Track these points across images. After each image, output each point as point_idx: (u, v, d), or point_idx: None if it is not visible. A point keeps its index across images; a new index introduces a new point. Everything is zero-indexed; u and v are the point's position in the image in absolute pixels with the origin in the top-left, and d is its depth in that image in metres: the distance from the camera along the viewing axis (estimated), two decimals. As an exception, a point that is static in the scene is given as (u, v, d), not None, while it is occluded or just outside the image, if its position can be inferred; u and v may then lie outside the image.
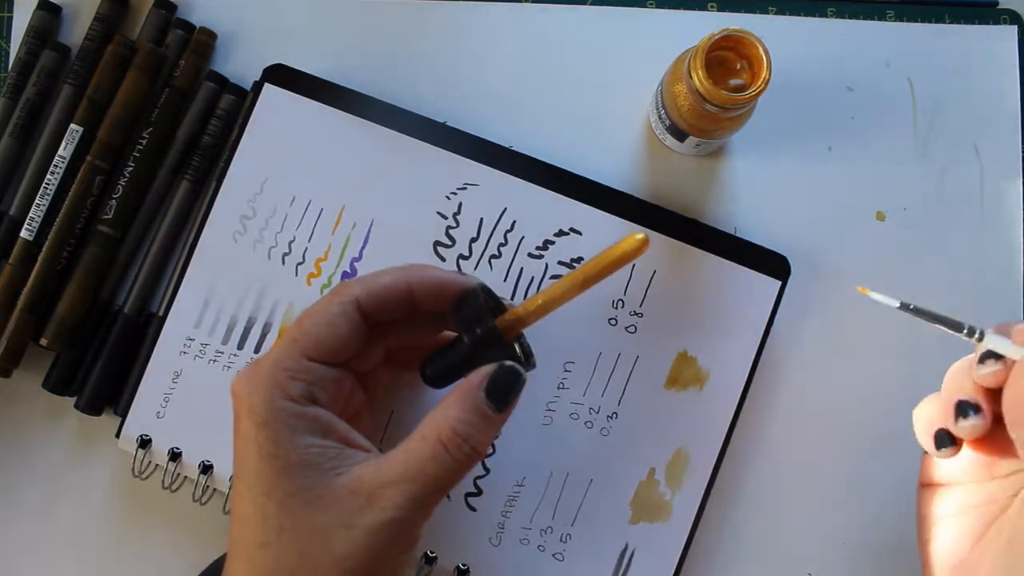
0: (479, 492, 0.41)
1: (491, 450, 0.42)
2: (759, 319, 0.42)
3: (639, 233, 0.33)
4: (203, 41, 0.44)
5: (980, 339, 0.32)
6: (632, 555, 0.41)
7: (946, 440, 0.33)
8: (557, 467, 0.42)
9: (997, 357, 0.31)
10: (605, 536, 0.41)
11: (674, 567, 0.41)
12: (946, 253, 0.45)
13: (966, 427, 0.32)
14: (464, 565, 0.41)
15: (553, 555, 0.41)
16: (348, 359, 0.33)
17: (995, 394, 0.31)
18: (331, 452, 0.30)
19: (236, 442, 0.30)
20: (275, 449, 0.29)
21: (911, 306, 0.33)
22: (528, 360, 0.34)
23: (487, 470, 0.42)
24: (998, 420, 0.31)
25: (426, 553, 0.41)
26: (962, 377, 0.33)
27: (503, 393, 0.31)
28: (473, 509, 0.41)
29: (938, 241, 0.45)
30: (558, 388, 0.42)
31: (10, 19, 0.46)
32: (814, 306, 0.44)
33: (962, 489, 0.34)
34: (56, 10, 0.45)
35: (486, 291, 0.34)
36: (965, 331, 0.32)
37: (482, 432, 0.30)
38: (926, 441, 0.34)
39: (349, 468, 0.29)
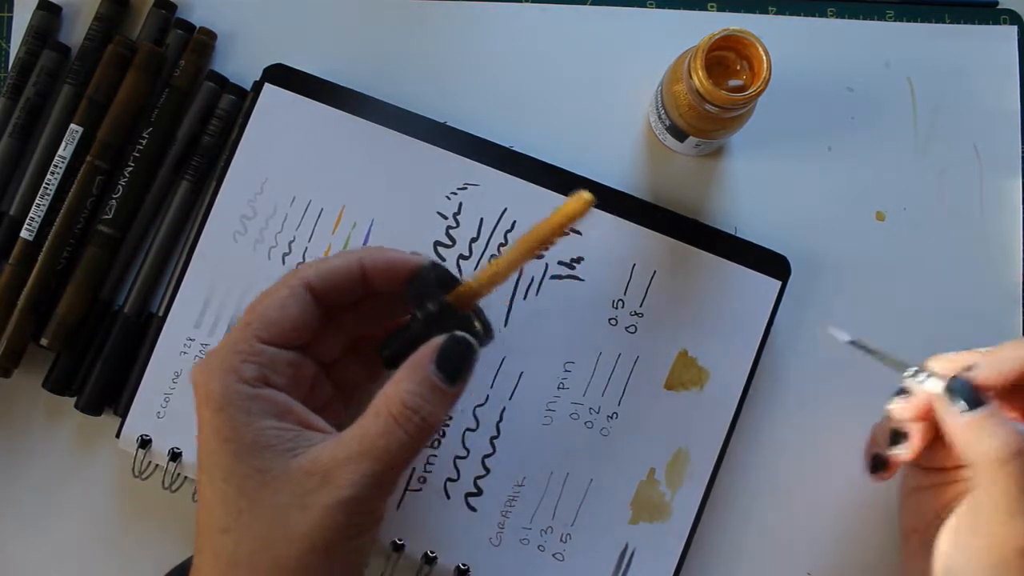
0: (479, 492, 0.42)
1: (491, 450, 0.42)
2: (759, 319, 0.42)
3: (584, 192, 0.32)
4: (203, 41, 0.44)
5: (926, 379, 0.35)
6: (632, 555, 0.41)
7: (879, 464, 0.38)
8: (557, 467, 0.42)
9: (904, 393, 0.36)
10: (605, 536, 0.41)
11: (674, 567, 0.41)
12: (946, 253, 0.45)
13: (893, 453, 0.37)
14: (464, 565, 0.41)
15: (553, 555, 0.41)
16: (304, 343, 0.33)
17: (929, 420, 0.36)
18: (288, 434, 0.30)
19: (198, 430, 0.30)
20: (231, 432, 0.29)
21: (861, 344, 0.38)
22: (486, 333, 0.33)
23: (487, 470, 0.42)
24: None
25: (426, 553, 0.41)
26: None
27: (454, 365, 0.31)
28: (473, 509, 0.41)
29: (938, 241, 0.45)
30: (558, 388, 0.42)
31: (10, 19, 0.46)
32: (814, 306, 0.44)
33: (931, 469, 0.38)
34: (56, 10, 0.45)
35: (438, 267, 0.33)
36: (911, 373, 0.36)
37: (434, 404, 0.30)
38: (865, 461, 0.39)
39: (306, 449, 0.29)
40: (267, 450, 0.29)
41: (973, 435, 0.33)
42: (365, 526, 0.30)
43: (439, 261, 0.34)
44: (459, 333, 0.31)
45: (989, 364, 0.34)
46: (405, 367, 0.31)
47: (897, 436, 0.37)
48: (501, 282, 0.33)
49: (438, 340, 0.31)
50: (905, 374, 0.36)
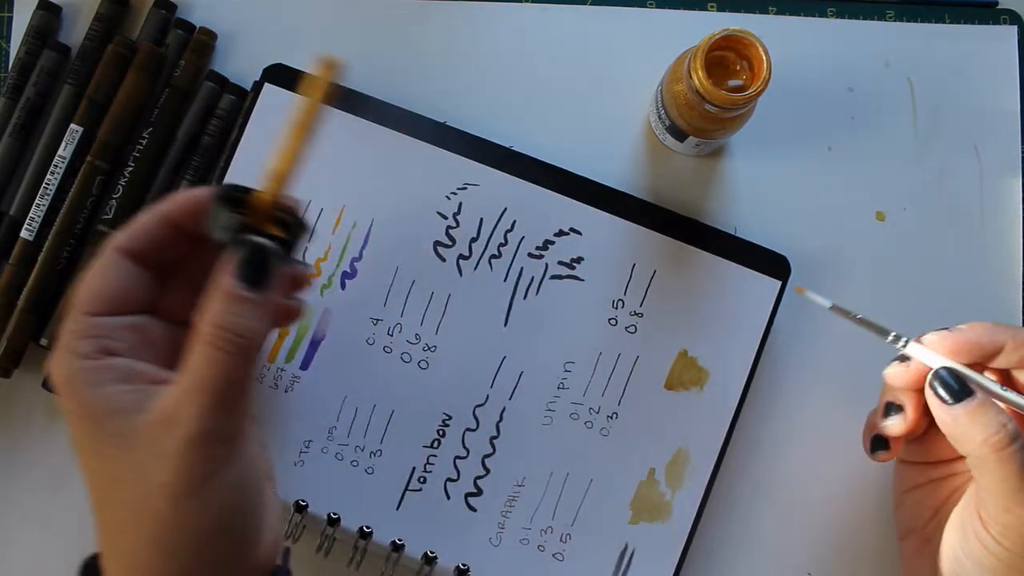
0: (479, 492, 0.42)
1: (491, 450, 0.42)
2: (759, 319, 0.42)
3: (325, 55, 0.30)
4: (203, 41, 0.44)
5: (904, 346, 0.35)
6: (632, 555, 0.41)
7: (879, 444, 0.37)
8: (557, 467, 0.42)
9: (905, 360, 0.35)
10: (605, 536, 0.41)
11: (674, 567, 0.41)
12: (946, 253, 0.45)
13: (888, 425, 0.36)
14: (464, 565, 0.41)
15: (553, 555, 0.41)
16: (142, 305, 0.33)
17: (923, 393, 0.35)
18: (137, 394, 0.29)
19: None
20: (83, 409, 0.29)
21: (841, 309, 0.36)
22: (298, 228, 0.32)
23: (487, 470, 0.42)
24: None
25: (426, 553, 0.41)
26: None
27: (253, 270, 0.30)
28: (473, 509, 0.41)
29: (938, 241, 0.45)
30: (558, 388, 0.42)
31: (10, 19, 0.46)
32: (814, 307, 0.44)
33: (924, 465, 0.38)
34: (56, 10, 0.45)
35: (228, 191, 0.32)
36: (891, 337, 0.35)
37: (243, 316, 0.29)
38: (864, 446, 0.38)
39: (152, 403, 0.29)
40: (119, 415, 0.29)
41: (966, 426, 0.33)
42: (225, 457, 0.29)
43: (234, 184, 0.32)
44: (252, 238, 0.30)
45: (966, 330, 0.35)
46: (210, 290, 0.30)
47: (890, 407, 0.36)
48: (288, 176, 0.31)
49: (234, 253, 0.30)
50: (887, 340, 0.35)
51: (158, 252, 0.33)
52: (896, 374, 0.36)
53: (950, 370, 0.34)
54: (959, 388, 0.34)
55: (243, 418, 0.30)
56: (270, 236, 0.31)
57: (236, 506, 0.30)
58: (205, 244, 0.33)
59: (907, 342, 0.35)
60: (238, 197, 0.32)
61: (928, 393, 0.34)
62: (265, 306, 0.30)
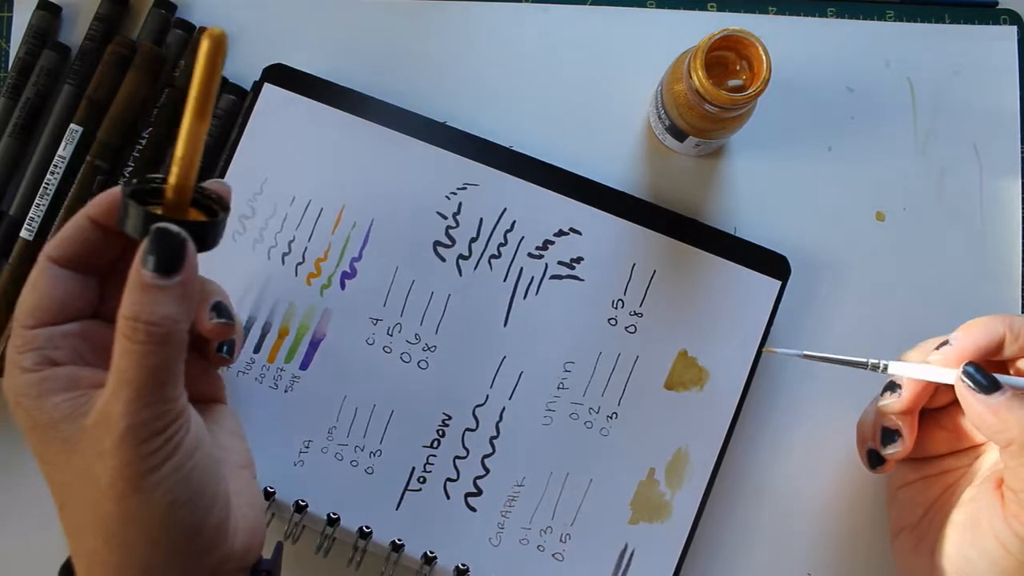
0: (479, 492, 0.42)
1: (491, 450, 0.42)
2: (759, 319, 0.42)
3: (212, 28, 0.28)
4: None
5: (884, 370, 0.36)
6: (632, 555, 0.41)
7: (876, 460, 0.38)
8: (557, 467, 0.42)
9: (895, 388, 0.36)
10: (605, 536, 0.41)
11: (674, 567, 0.41)
12: (946, 253, 0.45)
13: (889, 453, 0.37)
14: (464, 565, 0.41)
15: (553, 555, 0.41)
16: (85, 311, 0.32)
17: (916, 413, 0.37)
18: (80, 399, 0.30)
19: None
20: (31, 420, 0.30)
21: (812, 354, 0.37)
22: (219, 208, 0.32)
23: (487, 470, 0.42)
24: (933, 419, 0.38)
25: (425, 553, 0.41)
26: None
27: (162, 256, 0.29)
28: (473, 509, 0.41)
29: (938, 241, 0.45)
30: (558, 388, 0.42)
31: (10, 19, 0.46)
32: (814, 306, 0.44)
33: (917, 461, 0.39)
34: (56, 10, 0.45)
35: (144, 181, 0.31)
36: (869, 366, 0.36)
37: (152, 304, 0.28)
38: (861, 458, 0.39)
39: (92, 406, 0.29)
40: (64, 422, 0.29)
41: (1006, 414, 0.33)
42: (163, 452, 0.28)
43: (148, 176, 0.32)
44: (156, 225, 0.29)
45: (964, 337, 0.35)
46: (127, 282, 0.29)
47: (887, 434, 0.37)
48: (196, 161, 0.30)
49: (144, 241, 0.29)
50: (867, 369, 0.36)
51: (91, 255, 0.32)
52: (890, 404, 0.36)
53: (976, 365, 0.34)
54: (990, 381, 0.34)
55: (173, 409, 0.29)
56: (186, 222, 0.30)
57: (186, 498, 0.29)
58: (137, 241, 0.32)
59: (886, 366, 0.36)
60: (152, 189, 0.31)
61: (961, 388, 0.34)
62: (177, 291, 0.29)
